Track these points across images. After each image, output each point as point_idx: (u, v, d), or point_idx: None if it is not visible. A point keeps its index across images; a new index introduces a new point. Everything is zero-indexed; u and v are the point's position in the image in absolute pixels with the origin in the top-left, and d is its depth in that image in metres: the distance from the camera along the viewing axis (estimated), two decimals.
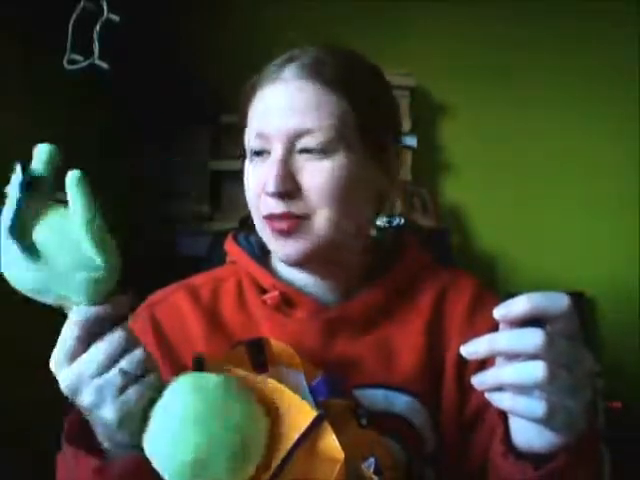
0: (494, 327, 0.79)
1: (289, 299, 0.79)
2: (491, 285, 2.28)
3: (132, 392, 0.56)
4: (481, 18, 2.34)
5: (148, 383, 0.57)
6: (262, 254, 0.84)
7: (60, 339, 0.58)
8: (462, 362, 0.77)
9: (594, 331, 2.25)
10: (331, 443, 0.59)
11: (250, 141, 0.77)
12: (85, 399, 0.56)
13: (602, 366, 2.08)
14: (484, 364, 0.76)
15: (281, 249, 0.76)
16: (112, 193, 2.12)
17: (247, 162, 0.79)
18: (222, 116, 2.15)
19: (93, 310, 0.57)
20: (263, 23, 2.27)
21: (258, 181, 0.75)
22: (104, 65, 1.57)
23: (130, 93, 2.01)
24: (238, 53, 2.24)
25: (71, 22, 1.55)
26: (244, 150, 0.80)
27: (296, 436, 0.59)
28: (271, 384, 0.62)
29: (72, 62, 1.57)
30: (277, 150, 0.74)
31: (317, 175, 0.73)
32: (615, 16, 2.26)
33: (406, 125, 2.16)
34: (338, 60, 0.78)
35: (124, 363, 0.56)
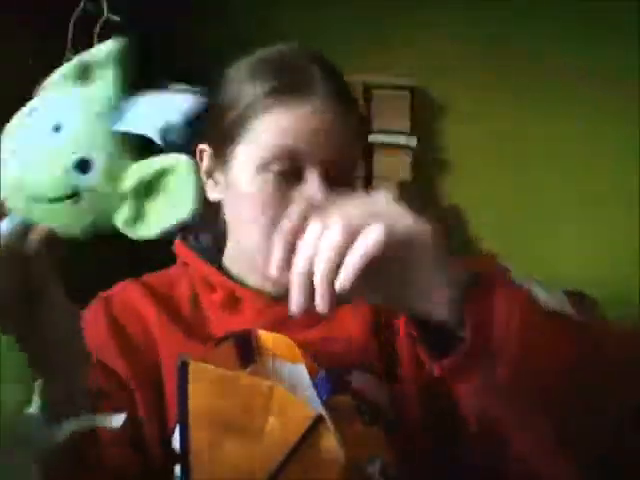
0: None
1: (236, 297, 0.79)
2: None
3: None
4: (481, 18, 2.34)
5: None
6: (213, 253, 0.83)
7: None
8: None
9: None
10: (331, 444, 0.59)
11: (268, 156, 0.72)
12: None
13: None
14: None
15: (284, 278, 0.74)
16: None
17: (251, 177, 0.73)
18: None
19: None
20: (263, 23, 2.27)
21: (285, 205, 0.70)
22: None
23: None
24: (238, 53, 2.24)
25: (71, 22, 1.55)
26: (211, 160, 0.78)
27: (296, 438, 0.59)
28: (271, 385, 0.62)
29: None
30: (315, 177, 0.71)
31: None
32: (615, 16, 2.26)
33: (406, 125, 2.16)
34: (341, 76, 0.78)
35: None
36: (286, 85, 0.73)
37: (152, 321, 0.78)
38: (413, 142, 2.16)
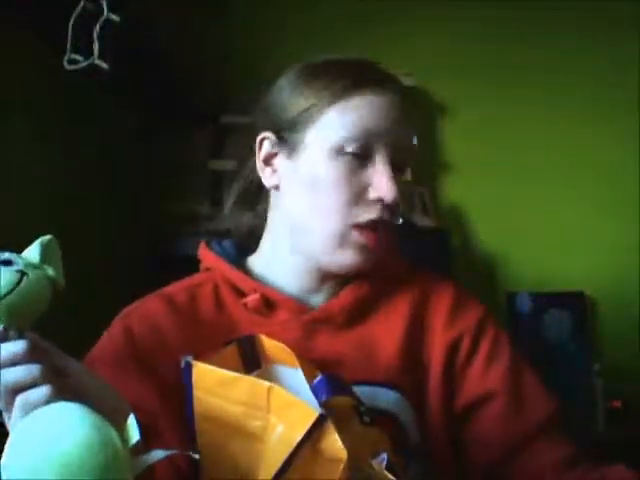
0: (474, 325, 0.82)
1: (269, 301, 0.80)
2: (491, 285, 2.28)
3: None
4: (481, 18, 2.34)
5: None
6: (237, 258, 0.85)
7: None
8: (448, 359, 0.80)
9: (594, 331, 2.25)
10: (334, 443, 0.59)
11: (342, 140, 0.76)
12: None
13: (602, 366, 2.08)
14: (470, 360, 0.80)
15: (354, 259, 0.77)
16: (112, 193, 2.14)
17: (326, 159, 0.76)
18: (222, 116, 2.15)
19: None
20: (263, 23, 2.27)
21: (357, 186, 0.76)
22: (104, 65, 1.56)
23: (130, 93, 2.01)
24: (238, 53, 2.25)
25: (71, 22, 1.54)
26: (291, 145, 0.79)
27: (298, 437, 0.59)
28: (270, 386, 0.62)
29: (72, 62, 1.57)
30: (386, 160, 0.77)
31: (401, 190, 0.77)
32: (615, 16, 2.26)
33: None
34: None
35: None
36: (366, 79, 0.78)
37: (173, 337, 0.78)
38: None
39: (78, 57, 1.57)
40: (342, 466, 0.59)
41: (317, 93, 0.78)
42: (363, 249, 0.76)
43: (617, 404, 2.02)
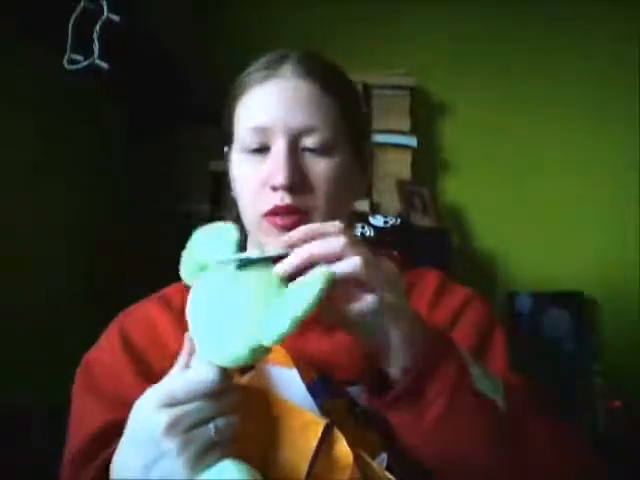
0: (456, 308, 0.81)
1: None
2: (491, 285, 2.28)
3: (211, 457, 0.56)
4: (481, 18, 2.34)
5: (224, 452, 0.57)
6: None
7: (174, 383, 0.58)
8: None
9: (594, 331, 2.25)
10: (343, 448, 0.61)
11: (244, 138, 0.78)
12: (169, 445, 0.56)
13: (602, 366, 2.08)
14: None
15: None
16: (112, 193, 2.13)
17: (238, 160, 0.80)
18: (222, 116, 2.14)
19: (224, 374, 0.57)
20: (263, 23, 2.27)
21: (259, 177, 0.77)
22: (104, 65, 1.56)
23: (130, 93, 2.01)
24: (238, 53, 2.24)
25: (71, 22, 1.54)
26: (227, 150, 0.83)
27: (312, 451, 0.60)
28: (273, 398, 0.63)
29: (72, 62, 1.57)
30: (281, 145, 0.76)
31: (321, 172, 0.76)
32: (615, 15, 2.26)
33: (406, 125, 2.16)
34: (327, 66, 0.82)
35: (220, 421, 0.57)
36: (255, 75, 0.79)
37: (168, 337, 0.78)
38: (413, 142, 2.16)
39: (78, 57, 1.57)
40: (350, 468, 0.60)
41: (230, 96, 0.82)
42: (277, 235, 0.74)
43: (617, 404, 2.02)
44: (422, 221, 2.08)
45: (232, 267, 0.60)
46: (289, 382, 0.66)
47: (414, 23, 2.35)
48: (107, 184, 2.00)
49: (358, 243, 0.60)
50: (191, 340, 0.60)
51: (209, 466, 0.56)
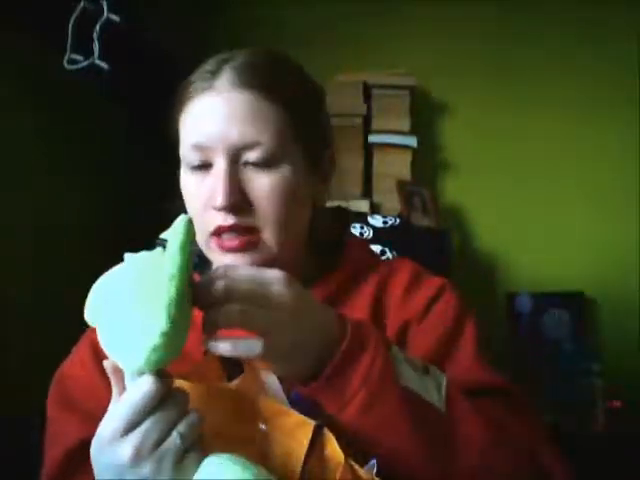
0: (428, 299, 0.80)
1: None
2: (491, 285, 2.29)
3: (189, 460, 0.56)
4: (481, 17, 2.34)
5: (200, 449, 0.56)
6: (201, 262, 0.82)
7: (117, 411, 0.56)
8: (400, 333, 0.78)
9: (594, 331, 2.25)
10: (334, 449, 0.61)
11: (186, 154, 0.75)
12: (143, 470, 0.54)
13: (602, 366, 2.08)
14: (421, 334, 0.78)
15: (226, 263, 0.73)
16: (112, 193, 2.14)
17: (183, 176, 0.78)
18: None
19: (159, 378, 0.55)
20: (263, 23, 2.27)
21: (202, 195, 0.74)
22: (104, 65, 1.57)
23: (130, 93, 2.01)
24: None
25: (71, 22, 1.55)
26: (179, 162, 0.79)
27: (304, 452, 0.60)
28: (262, 401, 0.63)
29: (72, 62, 1.57)
30: (220, 163, 0.72)
31: (264, 188, 0.72)
32: (615, 15, 2.26)
33: (406, 125, 2.16)
34: (270, 66, 0.76)
35: (182, 427, 0.55)
36: (195, 86, 0.76)
37: None
38: (413, 142, 2.16)
39: (78, 57, 1.57)
40: (341, 468, 0.60)
41: (173, 109, 0.79)
42: (224, 254, 0.73)
43: (617, 404, 2.02)
44: (422, 221, 2.08)
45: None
46: (275, 387, 0.66)
47: (414, 23, 2.35)
48: (107, 184, 2.00)
49: (243, 283, 0.59)
50: (112, 365, 0.59)
51: (195, 468, 0.55)
